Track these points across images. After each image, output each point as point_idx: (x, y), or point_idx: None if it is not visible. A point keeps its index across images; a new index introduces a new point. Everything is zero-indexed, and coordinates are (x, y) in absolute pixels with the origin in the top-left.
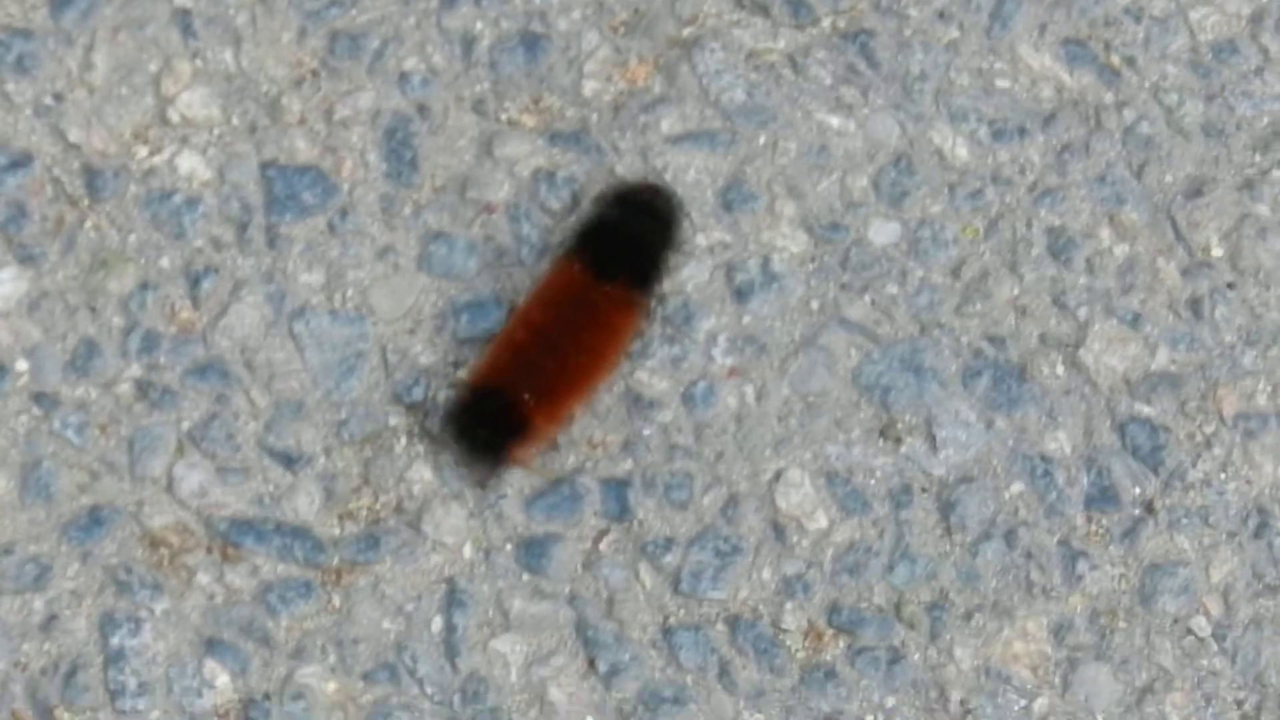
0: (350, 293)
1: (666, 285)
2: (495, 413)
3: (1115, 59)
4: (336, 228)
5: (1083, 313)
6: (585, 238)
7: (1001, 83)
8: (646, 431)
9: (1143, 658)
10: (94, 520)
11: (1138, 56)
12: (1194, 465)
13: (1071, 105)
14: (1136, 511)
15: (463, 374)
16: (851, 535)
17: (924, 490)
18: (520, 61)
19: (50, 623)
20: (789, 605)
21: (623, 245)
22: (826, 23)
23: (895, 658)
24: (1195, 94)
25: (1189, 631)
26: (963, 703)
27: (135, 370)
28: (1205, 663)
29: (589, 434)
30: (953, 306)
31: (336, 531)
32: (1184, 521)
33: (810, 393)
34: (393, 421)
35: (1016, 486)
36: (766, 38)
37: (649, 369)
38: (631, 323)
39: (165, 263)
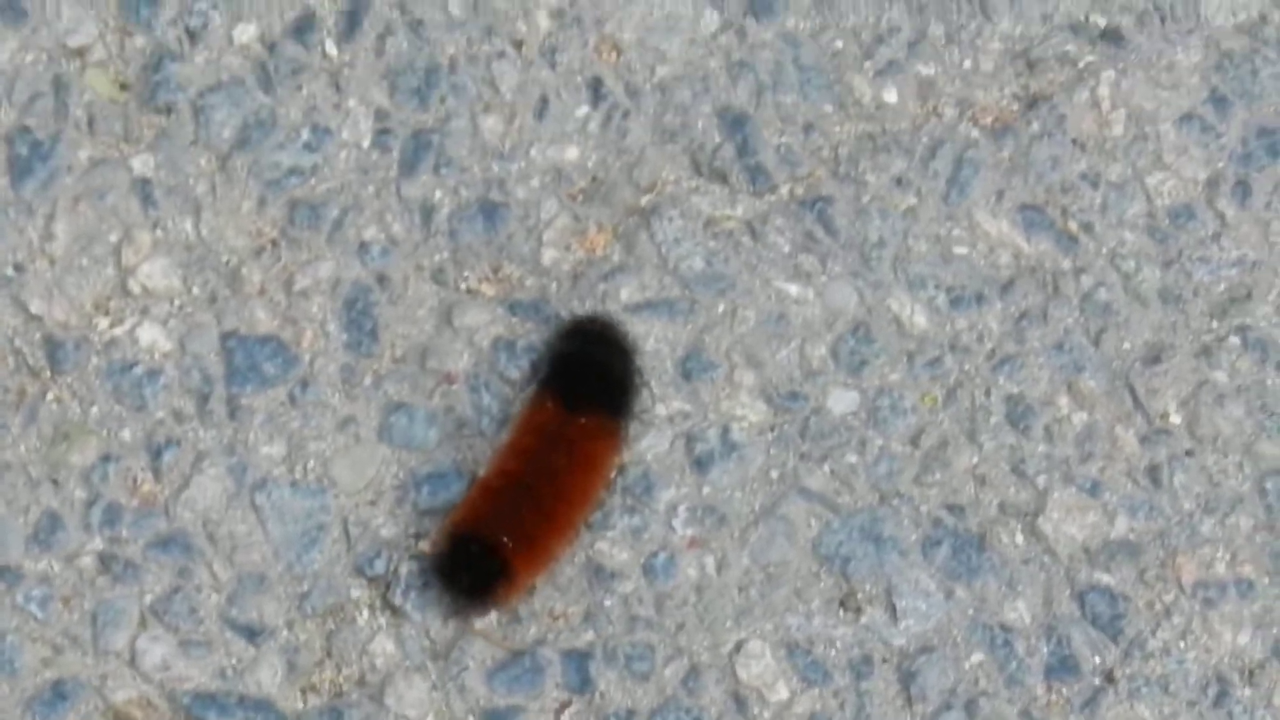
0: (312, 464)
1: (626, 455)
2: (476, 558)
3: (1073, 225)
4: (297, 399)
5: (1041, 481)
6: (553, 373)
7: (959, 249)
8: (608, 602)
9: None
10: (58, 695)
11: (1095, 222)
12: (1154, 634)
13: (1029, 272)
14: (1097, 681)
15: (424, 544)
16: (812, 706)
17: (884, 660)
18: (479, 230)
19: None
20: None
21: (590, 377)
22: (784, 190)
23: None
24: (1153, 260)
25: None
26: None
27: (98, 543)
28: None
29: (550, 605)
30: (912, 475)
31: (300, 705)
32: (1144, 690)
33: (770, 563)
34: (355, 594)
35: (977, 656)
36: (725, 205)
37: (610, 540)
38: (609, 453)
39: (127, 435)
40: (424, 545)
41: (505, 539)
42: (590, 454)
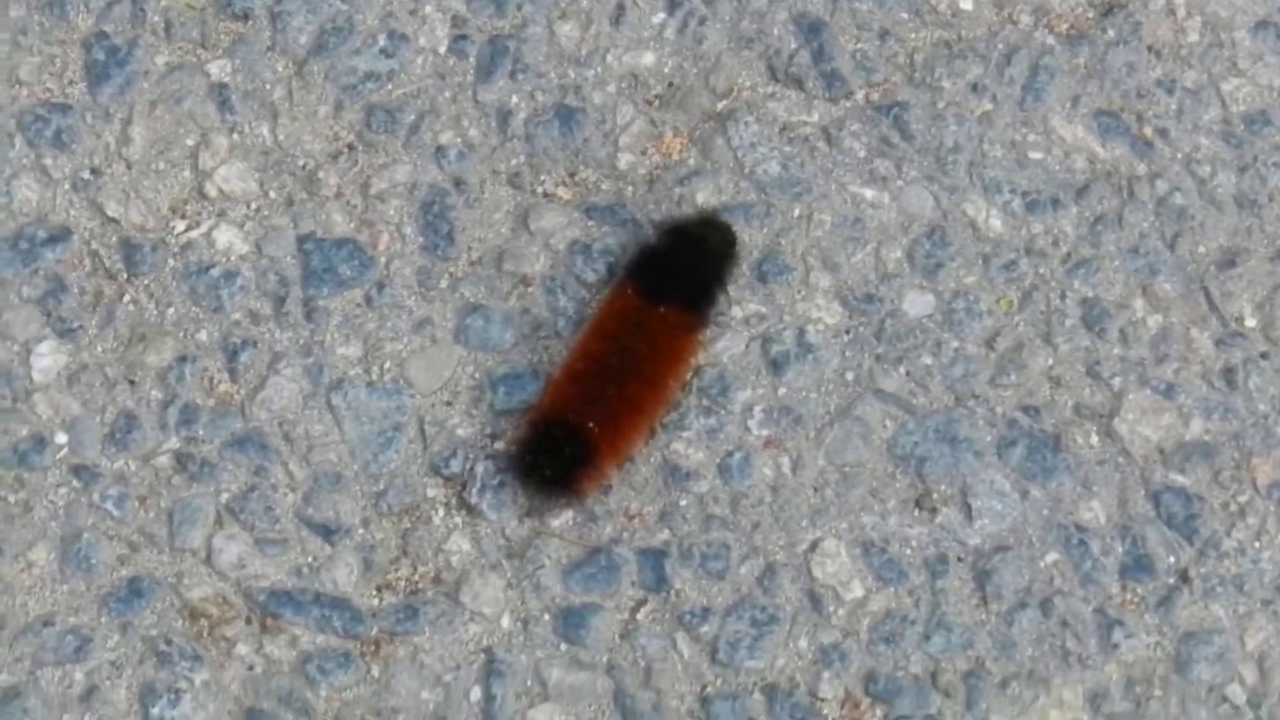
0: (388, 365)
1: (702, 356)
2: (561, 444)
3: (1148, 130)
4: (374, 300)
5: (1117, 383)
6: (639, 264)
7: (1035, 154)
8: (683, 502)
9: None
10: (133, 592)
11: (1170, 128)
12: (1228, 534)
13: (1104, 176)
14: (1171, 580)
15: (500, 443)
16: (887, 604)
17: (960, 560)
18: (555, 135)
19: (90, 694)
20: (826, 674)
21: (675, 271)
22: (860, 95)
23: None
24: (1228, 165)
25: (1224, 699)
26: None
27: (174, 443)
28: None
29: (625, 505)
30: (987, 377)
31: (375, 602)
32: (1219, 590)
33: (846, 463)
34: (430, 493)
35: (1051, 556)
36: (800, 111)
37: (685, 440)
38: (688, 347)
39: (203, 336)
40: (500, 444)
41: (590, 424)
42: (669, 346)
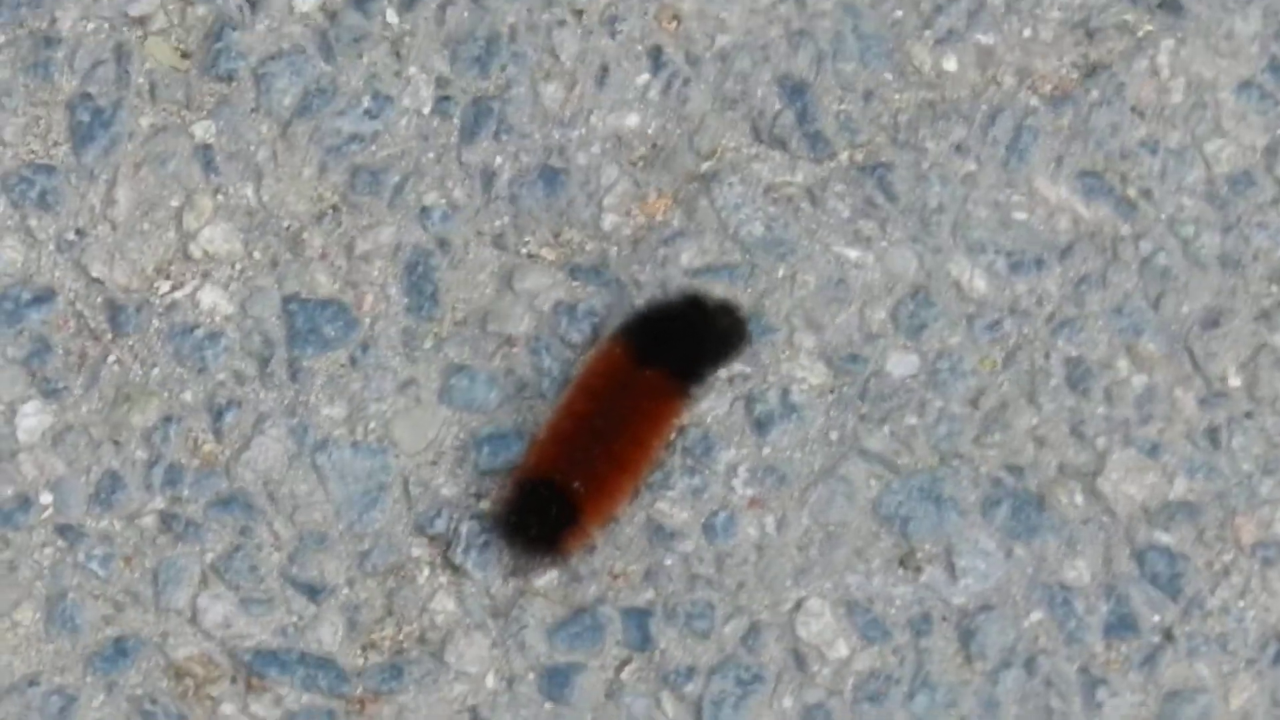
0: (372, 425)
1: (686, 417)
2: (547, 503)
3: (1132, 191)
4: (358, 361)
5: (1101, 442)
6: (632, 325)
7: (1019, 215)
8: (668, 561)
9: None
10: (119, 651)
11: (1154, 189)
12: (1212, 593)
13: (1088, 237)
14: (1155, 639)
15: (485, 503)
16: (872, 664)
17: (944, 619)
18: (540, 195)
19: None
20: None
21: (671, 335)
22: (844, 156)
23: None
24: (1211, 226)
25: None
26: None
27: (159, 503)
28: None
29: (610, 564)
30: (972, 437)
31: (360, 661)
32: (1203, 649)
33: (830, 522)
34: (415, 552)
35: (1036, 615)
36: (784, 171)
37: (670, 499)
38: (673, 412)
39: (188, 396)
40: (485, 504)
41: (576, 483)
42: (655, 409)
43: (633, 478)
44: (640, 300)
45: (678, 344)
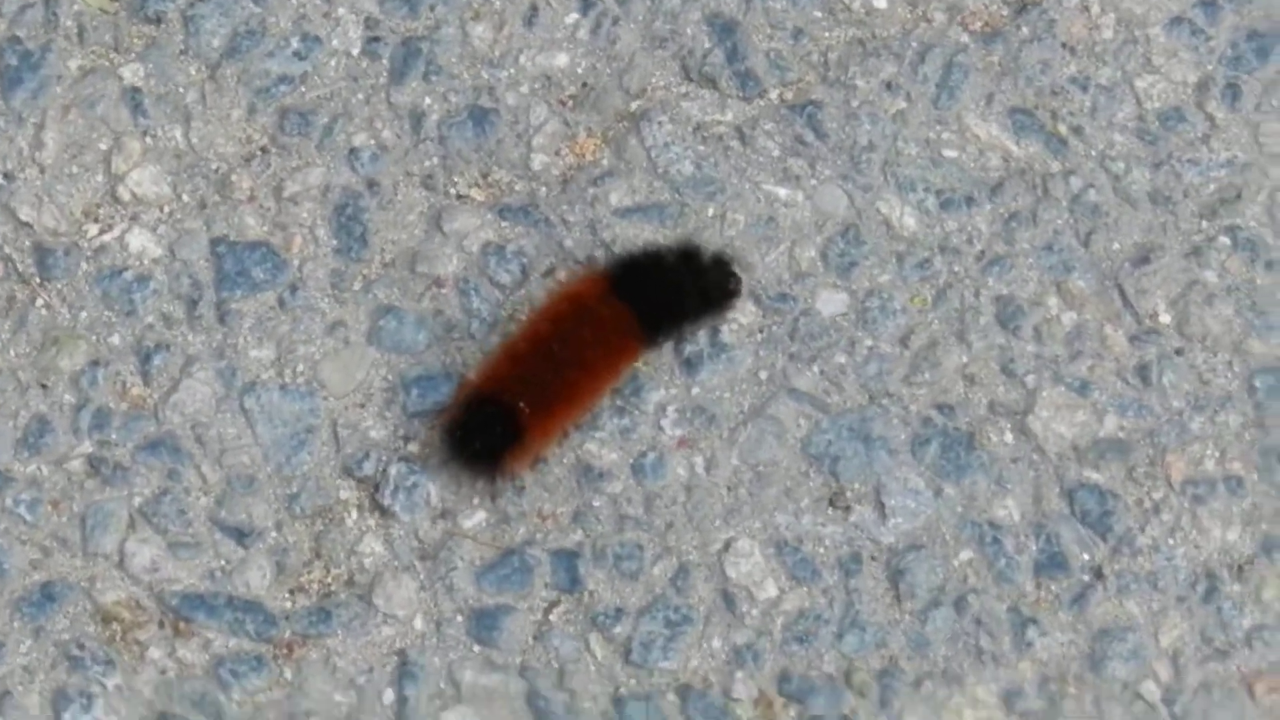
0: (301, 367)
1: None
2: (492, 421)
3: (1062, 128)
4: (287, 303)
5: (1031, 380)
6: (624, 262)
7: (949, 152)
8: (596, 502)
9: None
10: (46, 596)
11: (1084, 125)
12: (1142, 531)
13: (1019, 174)
14: (1086, 577)
15: (413, 445)
16: (801, 604)
17: (873, 558)
18: (469, 136)
19: (2, 699)
20: (739, 674)
21: (653, 280)
22: (774, 94)
23: None
24: (1142, 162)
25: (1139, 697)
26: None
27: (87, 447)
28: None
29: (539, 506)
30: (901, 375)
31: (288, 605)
32: (1133, 587)
33: (760, 462)
34: (343, 495)
35: (966, 554)
36: (714, 110)
37: (598, 440)
38: (633, 352)
39: (116, 340)
40: (413, 446)
41: (521, 404)
42: (617, 347)
43: (580, 408)
44: (569, 240)
45: (657, 289)
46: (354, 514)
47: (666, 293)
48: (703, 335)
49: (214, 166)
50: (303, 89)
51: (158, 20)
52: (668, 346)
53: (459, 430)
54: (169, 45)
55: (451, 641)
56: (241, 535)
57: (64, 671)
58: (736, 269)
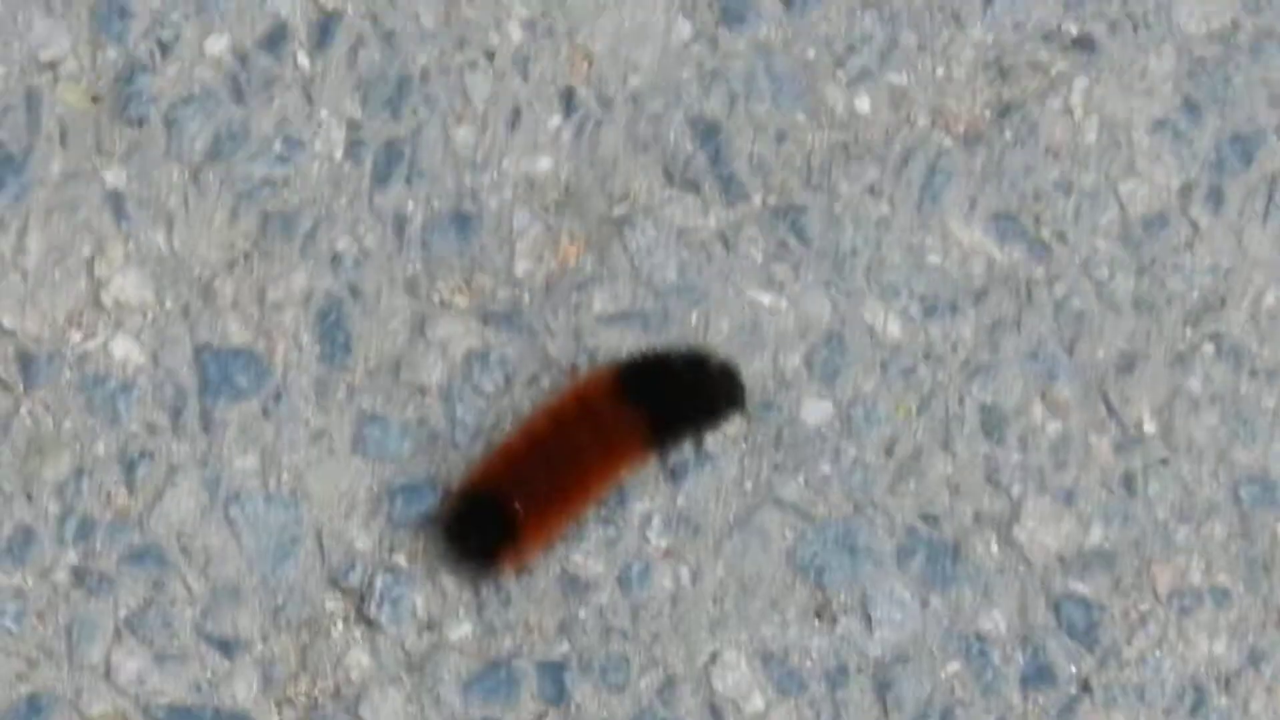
0: (285, 476)
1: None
2: (486, 518)
3: (1046, 233)
4: (271, 411)
5: (1016, 490)
6: (632, 365)
7: (933, 258)
8: (582, 614)
9: None
10: (33, 708)
11: (1068, 231)
12: (1129, 642)
13: (1002, 280)
14: (1073, 690)
15: (399, 556)
16: (788, 716)
17: (860, 670)
18: (452, 241)
19: None
20: None
21: (668, 385)
22: (757, 199)
23: None
24: (1126, 268)
25: None
26: None
27: (72, 557)
28: None
29: (525, 616)
30: (886, 485)
31: (275, 718)
32: (1120, 699)
33: (745, 573)
34: (329, 606)
35: (953, 666)
36: (697, 214)
37: (584, 551)
38: (634, 457)
39: (100, 448)
40: (398, 557)
41: (517, 504)
42: (619, 449)
43: (578, 509)
44: (553, 348)
45: (666, 395)
46: (340, 625)
47: (675, 399)
48: (687, 444)
49: (197, 272)
50: (285, 192)
51: (140, 122)
52: (652, 456)
53: (453, 526)
54: (151, 148)
55: None
56: (228, 647)
57: None
58: (741, 378)
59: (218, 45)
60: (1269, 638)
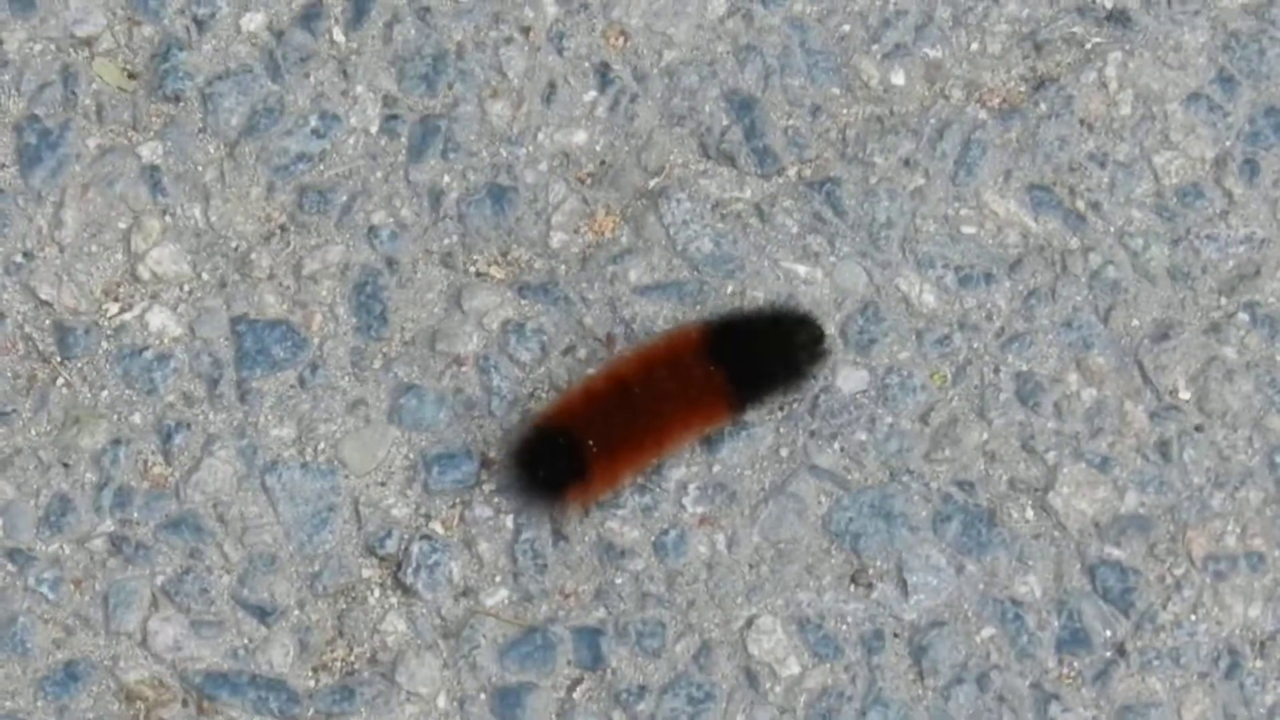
0: (322, 446)
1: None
2: (559, 452)
3: (1080, 204)
4: (307, 382)
5: (1051, 457)
6: (724, 322)
7: (967, 229)
8: (619, 580)
9: None
10: (70, 675)
11: (1103, 201)
12: (1164, 607)
13: (1037, 250)
14: (1108, 654)
15: (435, 524)
16: (824, 681)
17: (896, 635)
18: (488, 214)
19: None
20: None
21: (755, 347)
22: (792, 172)
23: None
24: (1161, 238)
25: None
26: None
27: (108, 525)
28: None
29: (561, 583)
30: (922, 452)
31: (311, 683)
32: (1155, 663)
33: (781, 540)
34: (365, 573)
35: (988, 630)
36: (733, 187)
37: (620, 518)
38: (717, 415)
39: (137, 418)
40: (435, 525)
41: (591, 442)
42: (702, 407)
43: (648, 457)
44: (589, 318)
45: (755, 358)
46: (376, 592)
47: (761, 362)
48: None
49: (233, 245)
50: (321, 167)
51: (176, 99)
52: None
53: (524, 456)
54: (188, 123)
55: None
56: (264, 614)
57: None
58: (826, 334)
59: (254, 22)
60: None
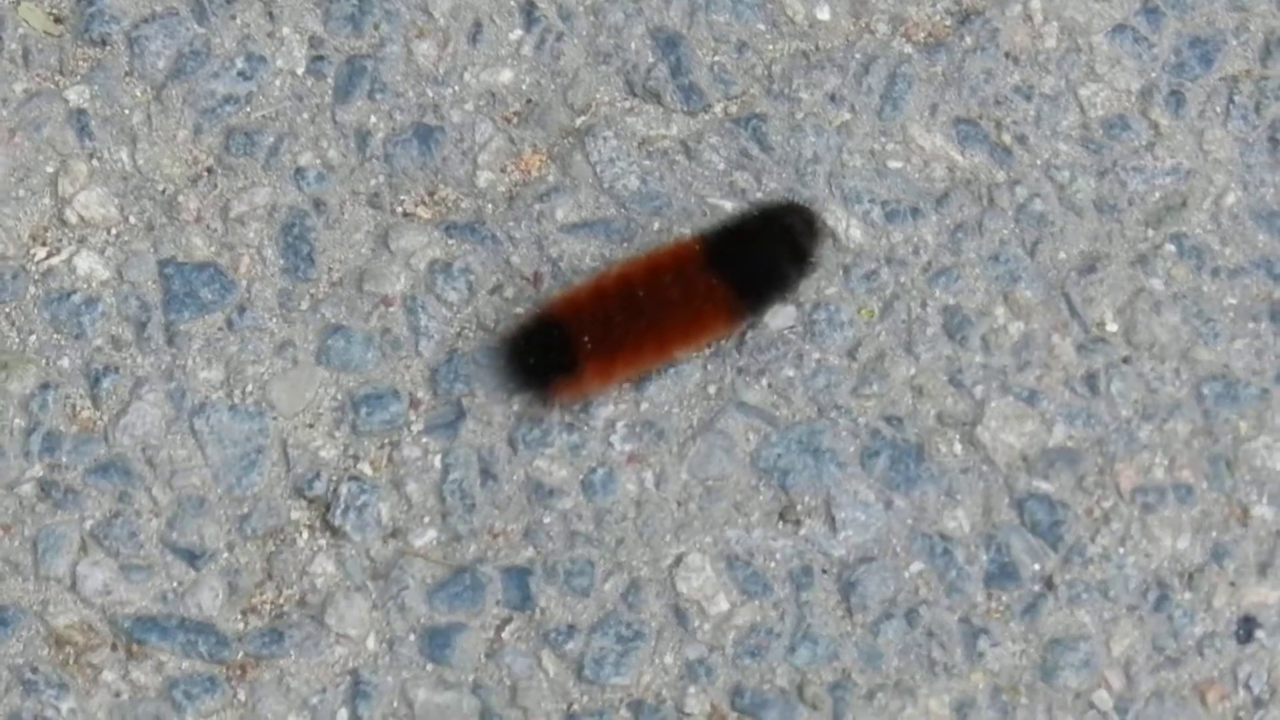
0: (250, 388)
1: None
2: (553, 344)
3: (1007, 137)
4: (235, 324)
5: (979, 391)
6: (722, 232)
7: (894, 163)
8: (547, 519)
9: None
10: None
11: (1029, 134)
12: (1093, 540)
13: (964, 184)
14: (1036, 587)
15: (363, 465)
16: (753, 618)
17: (824, 571)
18: (415, 154)
19: None
20: (692, 689)
21: (755, 255)
22: (718, 108)
23: None
24: (1087, 170)
25: (1091, 705)
26: None
27: (37, 470)
28: None
29: (489, 523)
30: (849, 388)
31: (240, 626)
32: (1084, 596)
33: (709, 477)
34: (294, 515)
35: (916, 565)
36: (659, 125)
37: (548, 456)
38: (720, 325)
39: (65, 363)
40: (363, 466)
41: (586, 339)
42: (708, 318)
43: (644, 362)
44: (516, 257)
45: (757, 269)
46: (305, 534)
47: (766, 272)
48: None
49: (161, 188)
50: (248, 109)
51: (103, 42)
52: None
53: (518, 345)
54: (114, 67)
55: (404, 660)
56: (193, 557)
57: (18, 696)
58: (820, 223)
59: None
60: (1232, 533)
